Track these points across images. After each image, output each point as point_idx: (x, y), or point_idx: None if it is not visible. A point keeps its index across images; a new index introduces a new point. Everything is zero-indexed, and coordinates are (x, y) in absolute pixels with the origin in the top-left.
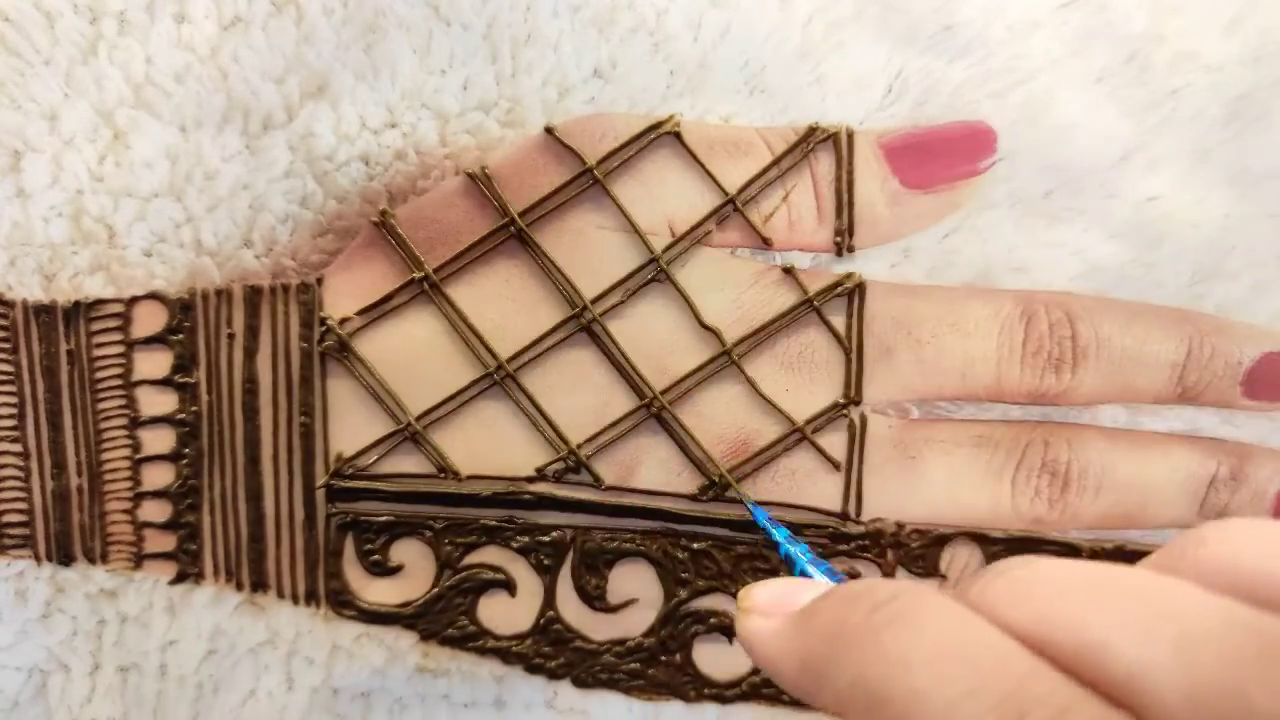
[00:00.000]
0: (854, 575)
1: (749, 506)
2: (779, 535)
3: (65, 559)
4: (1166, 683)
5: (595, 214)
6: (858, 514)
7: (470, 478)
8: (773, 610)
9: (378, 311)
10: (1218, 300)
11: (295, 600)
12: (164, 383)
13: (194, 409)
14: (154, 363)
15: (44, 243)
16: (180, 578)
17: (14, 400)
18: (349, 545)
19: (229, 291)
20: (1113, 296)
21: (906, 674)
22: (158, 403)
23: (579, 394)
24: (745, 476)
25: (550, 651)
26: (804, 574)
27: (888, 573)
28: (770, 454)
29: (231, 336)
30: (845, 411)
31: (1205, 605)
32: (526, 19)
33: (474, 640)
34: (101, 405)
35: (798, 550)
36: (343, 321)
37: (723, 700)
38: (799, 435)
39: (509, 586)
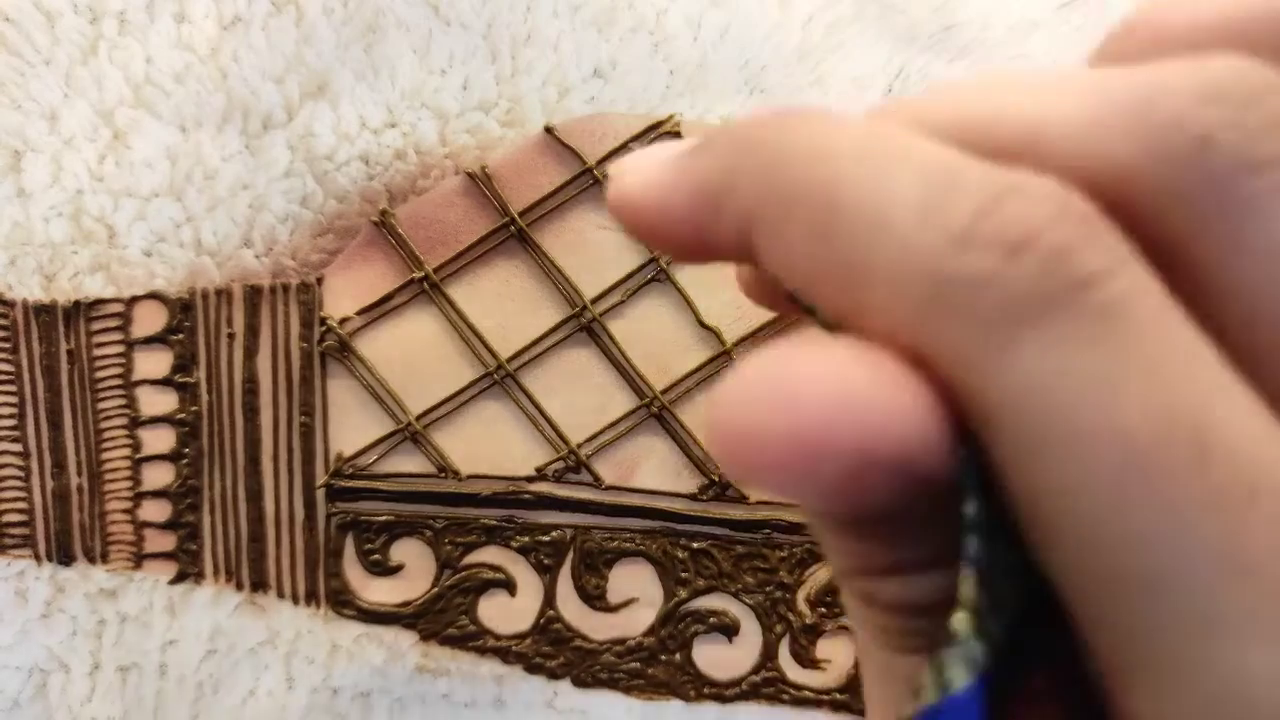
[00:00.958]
0: None
1: None
2: None
3: (65, 558)
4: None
5: (595, 214)
6: None
7: (470, 477)
8: (642, 161)
9: (378, 311)
10: None
11: (295, 600)
12: (164, 382)
13: (194, 409)
14: (154, 362)
15: (44, 242)
16: (180, 577)
17: (14, 400)
18: (349, 545)
19: (229, 291)
20: None
21: (824, 163)
22: (158, 402)
23: (579, 394)
24: None
25: (550, 651)
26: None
27: None
28: None
29: (231, 336)
30: None
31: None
32: (526, 19)
33: (474, 640)
34: (101, 405)
35: None
36: (343, 321)
37: (722, 700)
38: None
39: (509, 586)
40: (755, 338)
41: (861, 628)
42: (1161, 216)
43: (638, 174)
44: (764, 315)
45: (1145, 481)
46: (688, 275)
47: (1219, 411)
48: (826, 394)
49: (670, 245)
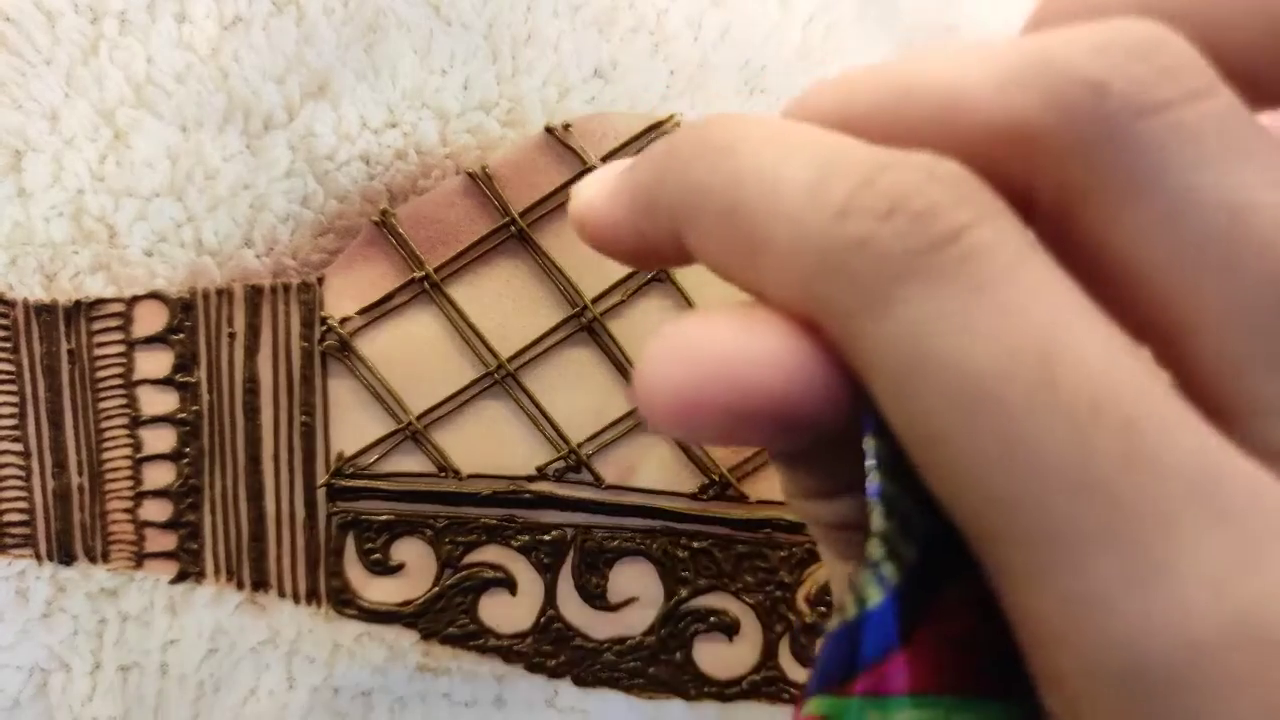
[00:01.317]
0: None
1: None
2: None
3: (66, 558)
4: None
5: None
6: None
7: (471, 477)
8: (600, 178)
9: (378, 311)
10: None
11: (296, 599)
12: (165, 382)
13: (195, 408)
14: (155, 362)
15: (45, 242)
16: (181, 577)
17: (15, 399)
18: (350, 544)
19: (230, 291)
20: None
21: (730, 157)
22: (158, 402)
23: (579, 393)
24: (746, 475)
25: (551, 650)
26: None
27: None
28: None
29: (232, 336)
30: None
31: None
32: (527, 19)
33: (475, 639)
34: (102, 404)
35: None
36: (344, 321)
37: (723, 699)
38: None
39: (510, 585)
40: None
41: (819, 542)
42: (1065, 167)
43: (589, 190)
44: None
45: (992, 409)
46: (688, 275)
47: (1069, 339)
48: (707, 352)
49: (622, 254)
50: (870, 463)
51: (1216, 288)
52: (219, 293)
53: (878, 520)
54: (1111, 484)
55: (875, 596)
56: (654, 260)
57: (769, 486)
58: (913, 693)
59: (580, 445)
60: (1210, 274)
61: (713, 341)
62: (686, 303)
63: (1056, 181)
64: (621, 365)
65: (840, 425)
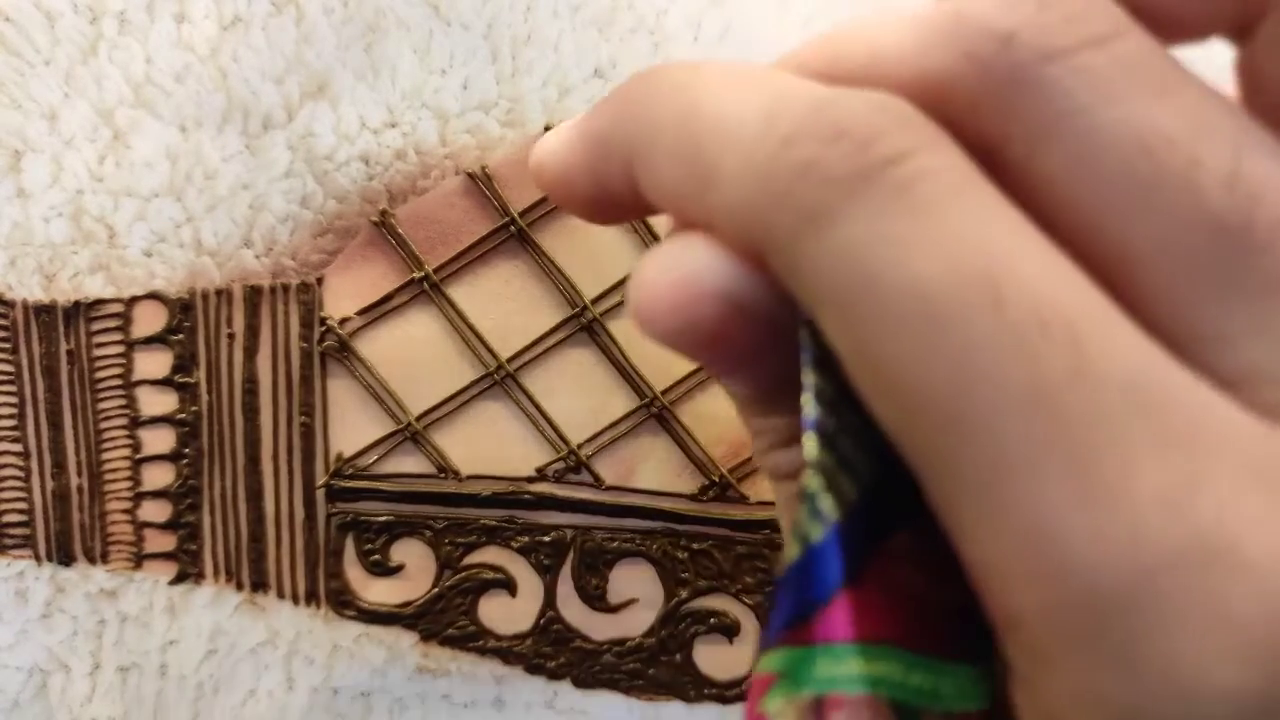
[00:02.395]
0: None
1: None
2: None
3: (65, 559)
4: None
5: None
6: None
7: (470, 477)
8: (559, 131)
9: (378, 311)
10: None
11: (295, 600)
12: (164, 383)
13: (194, 409)
14: (154, 362)
15: (44, 242)
16: (180, 578)
17: (14, 400)
18: (349, 545)
19: (229, 291)
20: None
21: (683, 92)
22: (158, 403)
23: (579, 394)
24: (746, 476)
25: (550, 651)
26: None
27: None
28: None
29: (231, 336)
30: None
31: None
32: (527, 19)
33: (474, 640)
34: (102, 405)
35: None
36: (343, 321)
37: (723, 700)
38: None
39: (509, 586)
40: None
41: (783, 507)
42: (979, 117)
43: (548, 141)
44: None
45: (940, 328)
46: None
47: (1014, 259)
48: (670, 264)
49: (580, 202)
50: (806, 395)
51: (1143, 225)
52: (218, 293)
53: (812, 450)
54: (1060, 400)
55: (816, 532)
56: (611, 210)
57: (769, 487)
58: (863, 640)
59: (580, 446)
60: (1135, 212)
61: (671, 255)
62: None
63: (976, 131)
64: (621, 365)
65: (784, 360)
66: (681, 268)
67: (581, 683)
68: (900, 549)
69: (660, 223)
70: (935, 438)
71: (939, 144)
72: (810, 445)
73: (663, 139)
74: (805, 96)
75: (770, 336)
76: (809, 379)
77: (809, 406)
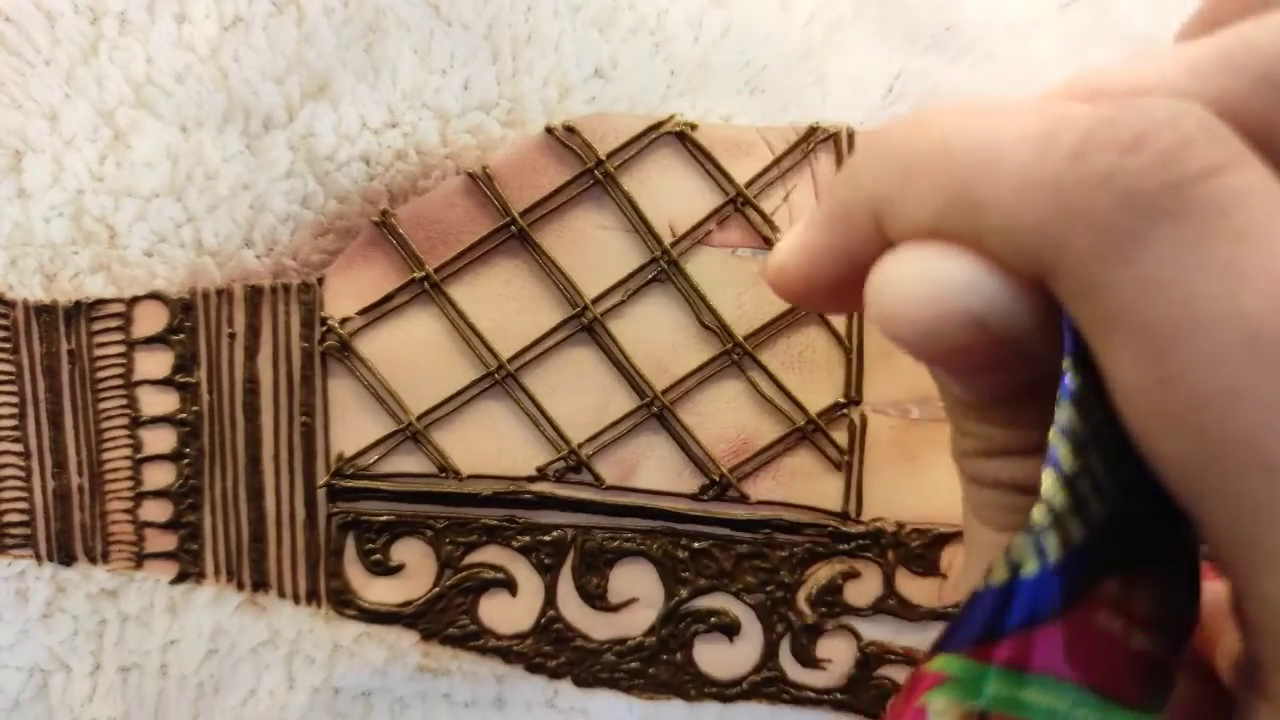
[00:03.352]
0: (852, 575)
1: None
2: None
3: (66, 558)
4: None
5: (596, 214)
6: (858, 513)
7: (471, 477)
8: (793, 231)
9: (378, 311)
10: None
11: (296, 600)
12: (165, 382)
13: (195, 409)
14: (155, 362)
15: (45, 242)
16: (181, 577)
17: (15, 400)
18: (350, 544)
19: (230, 291)
20: None
21: (931, 130)
22: (158, 402)
23: (580, 393)
24: (746, 476)
25: (551, 651)
26: None
27: (888, 573)
28: (771, 453)
29: (232, 336)
30: (845, 411)
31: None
32: (527, 19)
33: (475, 639)
34: (102, 405)
35: None
36: (344, 321)
37: (723, 699)
38: (799, 435)
39: (510, 586)
40: (755, 336)
41: (971, 509)
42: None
43: (782, 246)
44: (765, 315)
45: (1269, 367)
46: (688, 275)
47: None
48: (922, 275)
49: (826, 294)
50: (1057, 434)
51: None
52: (219, 293)
53: (1050, 487)
54: None
55: (1031, 564)
56: (855, 285)
57: (769, 486)
58: (1056, 674)
59: (580, 445)
60: None
61: (950, 268)
62: (687, 303)
63: (1274, 158)
64: (621, 365)
65: (1040, 373)
66: (935, 282)
67: (582, 682)
68: (1107, 593)
69: (678, 223)
70: (1247, 481)
71: (1248, 160)
72: (1049, 484)
73: (918, 178)
74: (1086, 111)
75: (1011, 354)
76: (1064, 415)
77: (1059, 446)
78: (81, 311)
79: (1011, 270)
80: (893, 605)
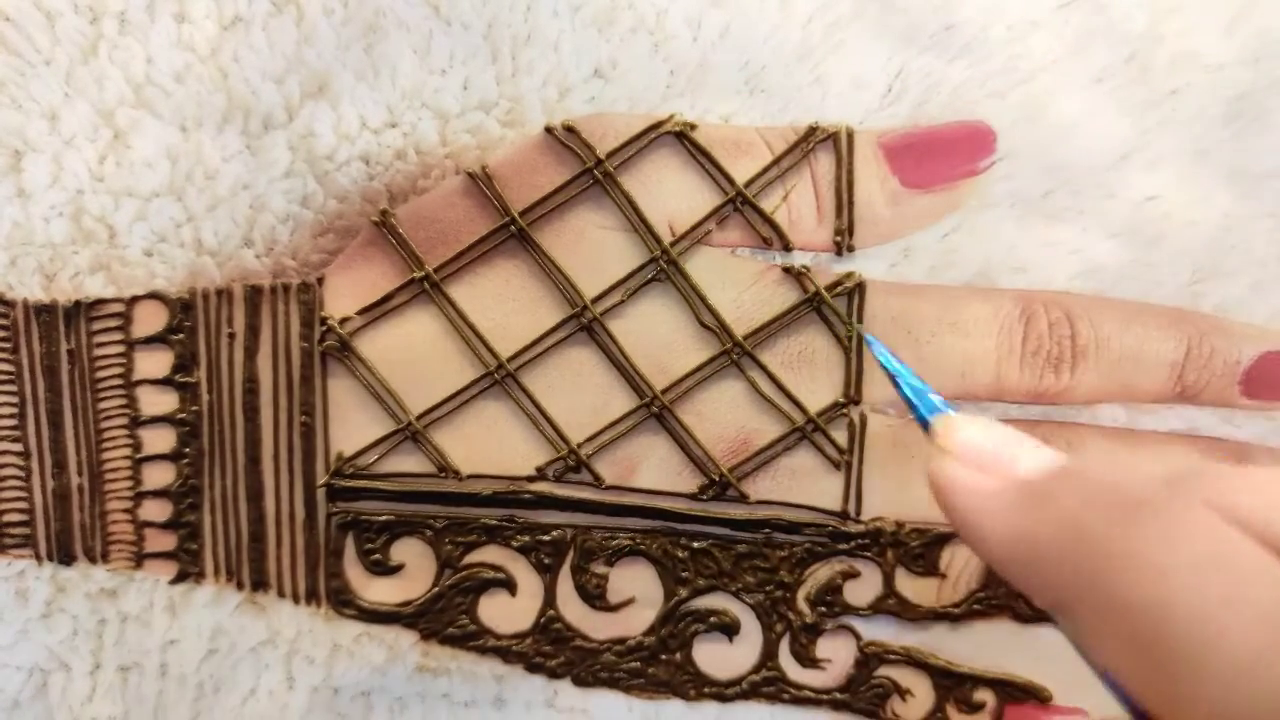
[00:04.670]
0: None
1: (865, 337)
2: (881, 355)
3: (66, 558)
4: None
5: (595, 213)
6: (857, 513)
7: (470, 477)
8: (983, 464)
9: (378, 311)
10: (1217, 300)
11: (296, 599)
12: (164, 382)
13: (194, 408)
14: (154, 362)
15: (44, 242)
16: (181, 577)
17: (15, 400)
18: (349, 544)
19: (229, 291)
20: (1112, 296)
21: (1160, 580)
22: (158, 402)
23: (579, 393)
24: (745, 475)
25: (550, 650)
26: (908, 400)
27: (888, 573)
28: (770, 453)
29: (232, 336)
30: (845, 410)
31: None
32: (527, 19)
33: (474, 639)
34: (102, 405)
35: (902, 373)
36: (343, 321)
37: (723, 699)
38: (799, 434)
39: (509, 585)
40: (755, 336)
41: None
42: None
43: (969, 483)
44: (765, 314)
45: None
46: (688, 275)
47: None
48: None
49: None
50: None
51: None
52: (219, 293)
53: None
54: None
55: None
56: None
57: (769, 486)
58: None
59: (580, 445)
60: None
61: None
62: (686, 303)
63: None
64: (621, 365)
65: None
66: None
67: (581, 681)
68: None
69: (678, 223)
70: None
71: None
72: None
73: (1121, 624)
74: None
75: None
76: None
77: None
78: (81, 311)
79: None
80: (892, 605)
